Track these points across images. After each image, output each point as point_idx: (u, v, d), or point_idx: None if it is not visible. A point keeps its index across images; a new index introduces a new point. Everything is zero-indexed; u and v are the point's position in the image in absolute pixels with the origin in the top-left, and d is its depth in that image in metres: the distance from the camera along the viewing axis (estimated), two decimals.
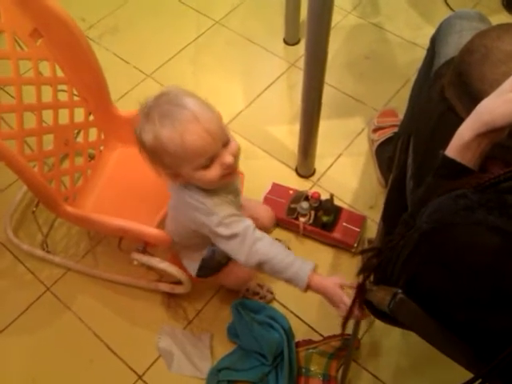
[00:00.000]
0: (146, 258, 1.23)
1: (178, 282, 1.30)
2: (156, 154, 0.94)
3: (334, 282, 0.96)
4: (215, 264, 1.23)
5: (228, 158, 0.94)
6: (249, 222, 1.01)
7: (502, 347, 0.56)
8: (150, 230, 1.16)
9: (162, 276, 1.37)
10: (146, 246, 1.24)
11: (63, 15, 1.18)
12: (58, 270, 1.48)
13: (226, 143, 0.95)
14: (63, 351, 1.35)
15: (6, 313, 1.41)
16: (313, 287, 0.97)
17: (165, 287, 1.38)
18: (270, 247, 0.99)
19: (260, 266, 1.00)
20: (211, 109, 0.95)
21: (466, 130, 0.72)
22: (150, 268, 1.27)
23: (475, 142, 0.71)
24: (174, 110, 0.90)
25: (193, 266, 1.23)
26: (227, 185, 1.03)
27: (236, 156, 0.97)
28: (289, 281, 0.99)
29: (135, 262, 1.24)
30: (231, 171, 0.97)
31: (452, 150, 0.73)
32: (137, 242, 1.25)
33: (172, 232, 1.18)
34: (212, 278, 1.28)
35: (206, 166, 0.94)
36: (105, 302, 1.42)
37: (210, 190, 1.01)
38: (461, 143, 0.72)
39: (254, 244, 0.99)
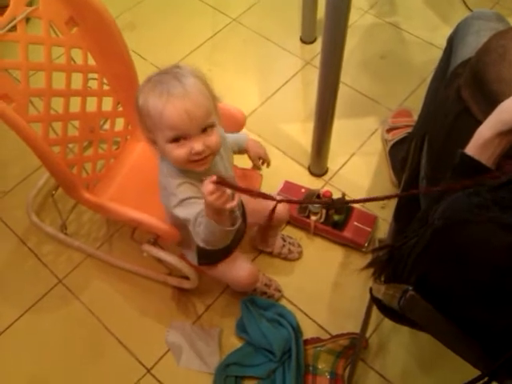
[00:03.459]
0: (155, 251, 1.24)
1: (187, 277, 1.31)
2: (142, 115, 0.98)
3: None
4: (211, 251, 1.15)
5: (197, 145, 0.96)
6: (202, 207, 0.99)
7: (510, 345, 0.56)
8: (160, 224, 1.17)
9: (172, 270, 1.38)
10: (157, 239, 1.25)
11: (99, 6, 1.21)
12: (76, 255, 1.50)
13: (206, 131, 0.97)
14: (73, 343, 1.37)
15: (17, 304, 1.43)
16: (209, 212, 0.93)
17: (173, 281, 1.39)
18: (203, 228, 0.98)
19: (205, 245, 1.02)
20: (208, 96, 0.97)
21: (487, 129, 0.71)
22: (159, 261, 1.28)
23: (495, 140, 0.71)
24: (170, 82, 0.94)
25: (191, 255, 1.24)
26: (206, 170, 1.03)
27: (211, 149, 0.98)
28: None
29: (145, 254, 1.25)
30: (199, 160, 0.98)
31: (471, 149, 0.73)
32: (149, 233, 1.26)
33: (165, 214, 1.18)
34: (216, 271, 1.27)
35: (177, 142, 0.96)
36: (116, 295, 1.43)
37: (182, 170, 1.02)
38: (480, 141, 0.72)
39: (198, 228, 1.00)
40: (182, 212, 1.02)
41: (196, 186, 1.03)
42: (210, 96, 0.98)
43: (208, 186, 0.86)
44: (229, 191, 0.87)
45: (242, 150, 1.28)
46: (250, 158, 1.30)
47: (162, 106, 0.93)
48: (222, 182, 0.84)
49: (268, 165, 1.32)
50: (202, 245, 1.03)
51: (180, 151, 0.97)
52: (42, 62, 1.19)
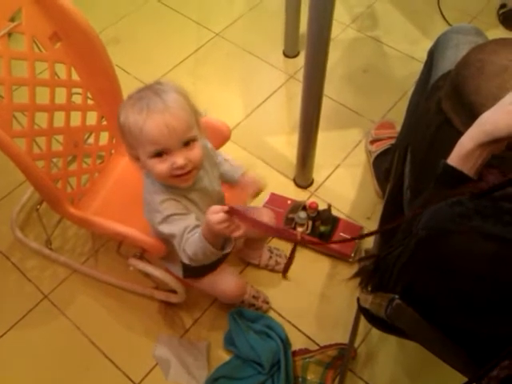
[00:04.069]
0: (142, 265, 1.24)
1: (174, 291, 1.31)
2: (123, 132, 0.98)
3: (208, 224, 0.91)
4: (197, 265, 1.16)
5: (179, 160, 0.96)
6: (188, 223, 1.01)
7: (496, 352, 0.57)
8: (145, 237, 1.17)
9: (159, 284, 1.37)
10: (143, 253, 1.25)
11: (82, 21, 1.21)
12: (61, 270, 1.48)
13: (188, 145, 0.97)
14: (59, 359, 1.35)
15: (2, 320, 1.40)
16: (208, 235, 0.95)
17: (160, 295, 1.38)
18: (193, 246, 0.99)
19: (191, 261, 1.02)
20: (189, 111, 0.97)
21: (468, 140, 0.73)
22: (145, 275, 1.28)
23: (477, 151, 0.72)
24: (150, 98, 0.94)
25: (176, 268, 1.24)
26: (190, 185, 1.04)
27: (194, 163, 0.99)
28: None
29: (131, 268, 1.25)
30: (182, 174, 0.99)
31: (453, 159, 0.74)
32: (135, 247, 1.25)
33: (150, 228, 1.18)
34: (203, 284, 1.27)
35: (158, 157, 0.96)
36: (102, 309, 1.42)
37: (166, 186, 1.03)
38: (463, 152, 0.73)
39: (184, 245, 1.00)
40: (166, 228, 1.02)
41: (180, 202, 1.04)
42: (192, 111, 0.98)
43: (219, 215, 0.86)
44: (237, 219, 0.87)
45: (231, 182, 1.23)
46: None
47: (142, 121, 0.93)
48: (234, 212, 0.83)
49: (257, 194, 1.22)
50: (186, 261, 1.03)
51: (162, 166, 0.97)
52: (26, 77, 1.19)
